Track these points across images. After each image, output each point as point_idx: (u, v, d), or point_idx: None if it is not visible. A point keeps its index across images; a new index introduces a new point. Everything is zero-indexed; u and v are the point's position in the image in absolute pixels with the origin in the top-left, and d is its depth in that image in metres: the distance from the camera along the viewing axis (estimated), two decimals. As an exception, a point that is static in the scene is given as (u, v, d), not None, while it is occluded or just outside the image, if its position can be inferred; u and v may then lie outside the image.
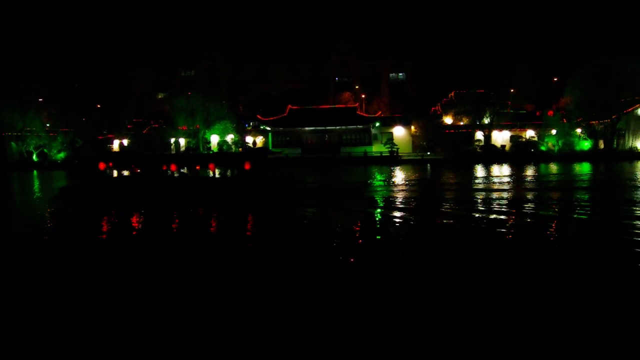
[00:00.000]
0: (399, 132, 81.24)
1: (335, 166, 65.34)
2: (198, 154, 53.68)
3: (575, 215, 21.65)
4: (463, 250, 15.38)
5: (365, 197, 29.69)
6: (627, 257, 13.89)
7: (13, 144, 77.98)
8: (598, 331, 9.07)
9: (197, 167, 32.14)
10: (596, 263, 13.57)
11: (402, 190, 33.77)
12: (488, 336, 8.88)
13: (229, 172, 33.89)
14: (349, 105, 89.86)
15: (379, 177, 46.16)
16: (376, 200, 28.13)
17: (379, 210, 24.63)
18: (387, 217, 22.58)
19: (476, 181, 39.90)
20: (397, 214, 23.27)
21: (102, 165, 31.28)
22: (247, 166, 30.92)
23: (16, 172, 67.62)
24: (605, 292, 11.15)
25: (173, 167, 31.13)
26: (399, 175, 47.84)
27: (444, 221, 20.76)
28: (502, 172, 48.74)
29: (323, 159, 71.79)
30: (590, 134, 74.46)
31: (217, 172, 33.00)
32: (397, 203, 27.19)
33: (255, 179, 31.12)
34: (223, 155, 39.13)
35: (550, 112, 75.10)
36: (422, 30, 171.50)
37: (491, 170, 51.69)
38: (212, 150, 77.62)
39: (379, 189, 35.54)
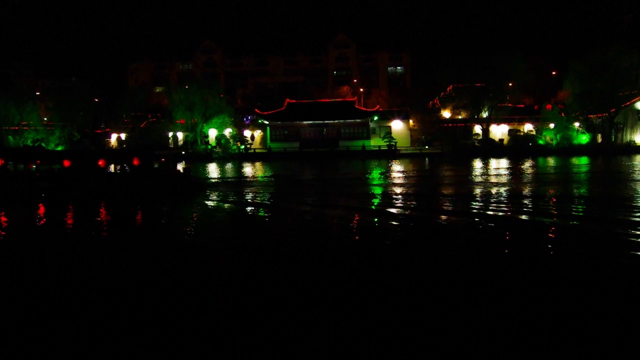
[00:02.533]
0: (397, 125, 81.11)
1: (333, 160, 65.45)
2: (93, 150, 56.44)
3: (572, 211, 21.69)
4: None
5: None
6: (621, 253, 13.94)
7: (10, 137, 77.68)
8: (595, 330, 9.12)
9: (100, 163, 31.81)
10: (594, 263, 13.61)
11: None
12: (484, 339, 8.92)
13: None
14: (347, 99, 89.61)
15: (366, 170, 46.30)
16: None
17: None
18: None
19: (473, 175, 39.94)
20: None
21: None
22: (135, 162, 31.09)
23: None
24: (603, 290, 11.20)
25: (66, 163, 31.19)
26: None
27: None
28: (499, 165, 48.81)
29: (321, 153, 71.73)
30: (589, 127, 74.36)
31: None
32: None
33: (144, 174, 31.29)
34: (114, 151, 40.96)
35: (549, 106, 74.95)
36: (421, 22, 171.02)
37: (489, 164, 51.79)
38: (210, 145, 77.43)
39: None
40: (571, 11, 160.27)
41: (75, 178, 31.05)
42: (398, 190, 30.02)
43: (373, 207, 23.83)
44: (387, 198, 26.81)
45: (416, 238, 16.92)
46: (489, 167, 46.69)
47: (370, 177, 40.23)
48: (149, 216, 24.12)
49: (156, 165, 32.87)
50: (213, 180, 40.30)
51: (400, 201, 25.29)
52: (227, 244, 16.61)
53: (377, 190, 30.44)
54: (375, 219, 20.73)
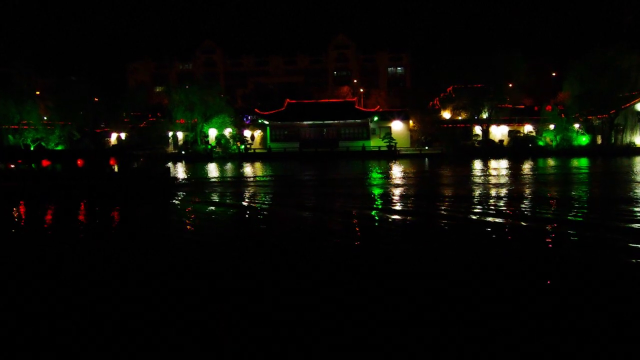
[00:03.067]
0: (397, 126, 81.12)
1: (333, 160, 65.53)
2: (66, 150, 57.42)
3: (571, 215, 21.69)
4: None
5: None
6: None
7: (10, 137, 77.64)
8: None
9: (78, 163, 31.71)
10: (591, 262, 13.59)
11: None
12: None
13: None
14: (347, 100, 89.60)
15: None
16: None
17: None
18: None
19: (473, 176, 39.93)
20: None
21: None
22: (112, 162, 31.17)
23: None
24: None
25: (44, 162, 31.31)
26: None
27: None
28: (499, 166, 48.79)
29: (321, 153, 71.79)
30: (588, 129, 74.35)
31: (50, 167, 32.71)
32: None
33: (120, 174, 31.37)
34: (92, 152, 41.31)
35: (549, 107, 74.95)
36: (421, 23, 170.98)
37: (489, 165, 51.78)
38: (210, 144, 77.42)
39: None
40: (571, 11, 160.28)
41: (52, 177, 31.13)
42: (397, 191, 30.01)
43: (371, 208, 23.78)
44: (387, 200, 26.78)
45: (415, 241, 16.91)
46: (489, 169, 46.69)
47: (370, 178, 40.21)
48: (116, 219, 23.79)
49: (135, 165, 32.88)
50: (214, 180, 40.26)
51: (399, 203, 25.28)
52: (220, 249, 16.56)
53: (377, 192, 30.43)
54: (374, 222, 20.70)
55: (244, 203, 26.37)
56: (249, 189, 33.01)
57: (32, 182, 30.78)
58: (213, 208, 25.08)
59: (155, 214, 24.55)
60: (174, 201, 27.38)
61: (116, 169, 32.19)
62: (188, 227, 20.28)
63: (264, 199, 27.90)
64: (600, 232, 16.88)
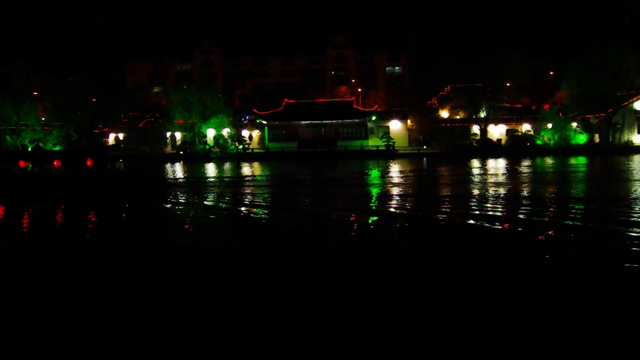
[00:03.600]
0: (395, 125, 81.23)
1: (331, 160, 65.56)
2: (44, 151, 58.81)
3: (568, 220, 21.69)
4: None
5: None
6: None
7: (8, 137, 77.49)
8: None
9: (55, 163, 31.67)
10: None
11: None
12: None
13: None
14: (345, 99, 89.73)
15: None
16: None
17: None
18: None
19: (470, 176, 39.97)
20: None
21: None
22: (89, 162, 31.07)
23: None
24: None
25: (21, 163, 31.25)
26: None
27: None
28: (497, 165, 48.87)
29: (319, 153, 71.84)
30: (586, 127, 74.57)
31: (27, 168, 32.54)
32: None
33: (97, 175, 31.23)
34: (67, 152, 41.69)
35: (546, 106, 75.20)
36: (420, 22, 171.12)
37: (487, 164, 51.87)
38: (209, 145, 77.45)
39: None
40: (571, 11, 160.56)
41: (28, 179, 30.94)
42: (396, 191, 30.03)
43: (370, 208, 23.78)
44: (385, 200, 26.78)
45: (415, 241, 16.91)
46: (487, 168, 46.76)
47: (369, 177, 40.22)
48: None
49: (109, 167, 32.82)
50: (210, 179, 40.22)
51: (398, 203, 25.28)
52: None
53: (375, 191, 30.45)
54: (373, 222, 20.68)
55: (241, 203, 26.24)
56: (246, 188, 32.89)
57: (7, 182, 30.60)
58: (206, 208, 24.70)
59: (129, 216, 23.87)
60: (161, 202, 26.62)
61: (95, 171, 31.96)
62: (158, 227, 19.99)
63: (261, 198, 27.83)
64: (599, 232, 16.88)
